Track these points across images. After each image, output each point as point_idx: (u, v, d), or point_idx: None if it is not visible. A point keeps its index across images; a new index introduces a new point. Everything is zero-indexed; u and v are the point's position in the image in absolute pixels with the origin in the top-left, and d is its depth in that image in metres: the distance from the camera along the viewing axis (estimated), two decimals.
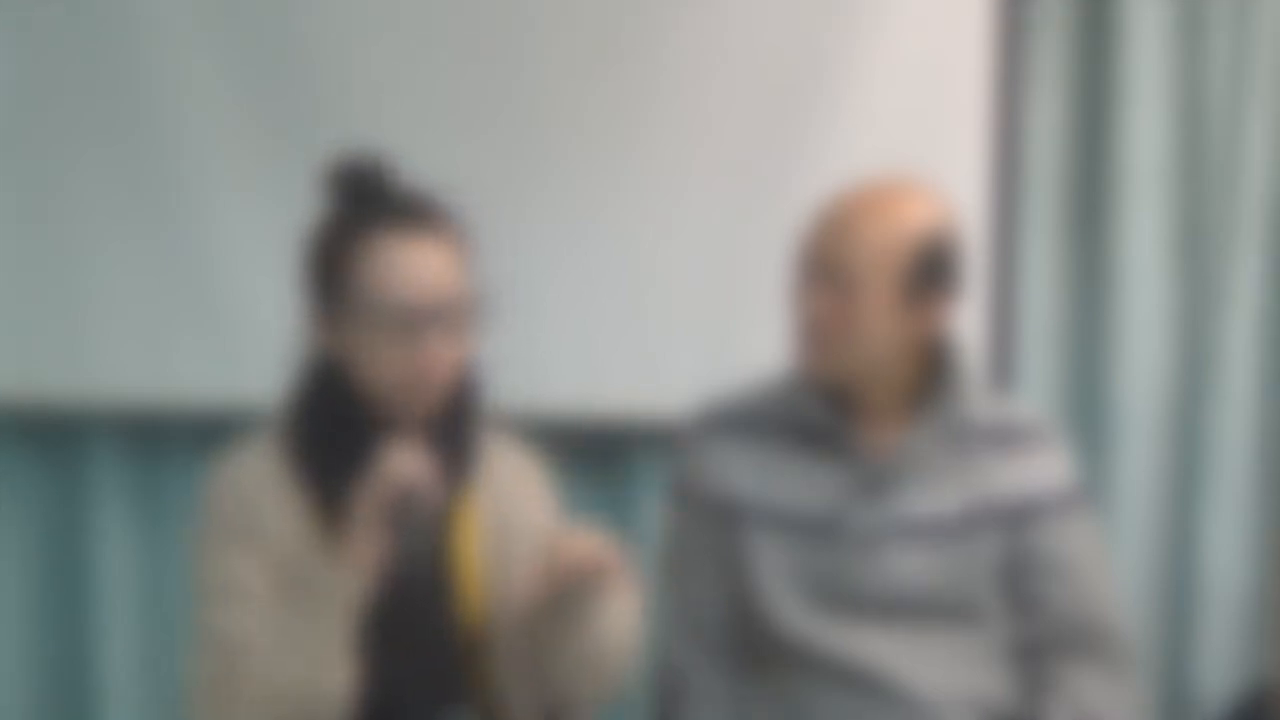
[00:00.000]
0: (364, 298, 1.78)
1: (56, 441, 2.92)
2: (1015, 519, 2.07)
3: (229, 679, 1.74)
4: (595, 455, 2.90)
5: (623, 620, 1.84)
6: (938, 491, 2.07)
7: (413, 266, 1.78)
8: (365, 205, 1.82)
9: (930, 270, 2.02)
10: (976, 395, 2.11)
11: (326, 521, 1.80)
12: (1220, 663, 2.95)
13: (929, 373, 2.09)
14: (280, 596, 1.77)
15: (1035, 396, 2.95)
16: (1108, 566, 2.15)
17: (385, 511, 1.72)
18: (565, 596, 1.76)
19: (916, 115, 2.84)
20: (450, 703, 1.86)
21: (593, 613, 1.79)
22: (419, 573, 1.82)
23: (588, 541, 1.74)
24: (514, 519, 1.93)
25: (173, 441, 2.90)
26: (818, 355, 2.06)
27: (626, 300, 2.87)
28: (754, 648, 2.09)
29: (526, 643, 1.84)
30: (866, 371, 2.05)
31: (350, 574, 1.73)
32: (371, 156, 1.84)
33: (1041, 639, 2.08)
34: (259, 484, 1.82)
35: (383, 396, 1.80)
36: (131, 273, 2.84)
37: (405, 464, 1.73)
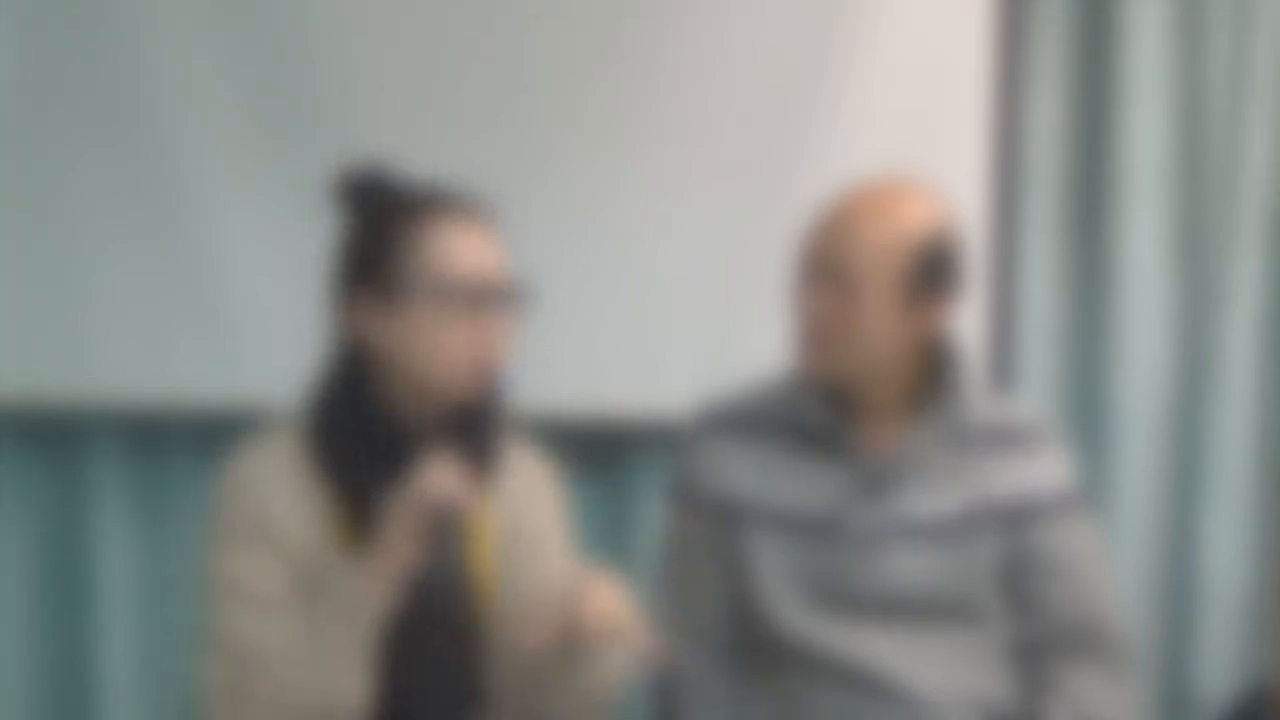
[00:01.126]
0: (428, 278, 1.78)
1: (56, 441, 2.92)
2: (1015, 519, 2.07)
3: (242, 684, 1.73)
4: (595, 455, 2.90)
5: (621, 664, 1.84)
6: (938, 492, 2.07)
7: (475, 247, 1.81)
8: (397, 201, 1.83)
9: (931, 271, 2.02)
10: (977, 396, 2.11)
11: (349, 525, 1.78)
12: (1220, 663, 2.94)
13: (929, 373, 2.09)
14: (295, 598, 1.76)
15: (1035, 396, 2.95)
16: (1107, 567, 2.15)
17: (421, 526, 1.71)
18: (574, 646, 1.74)
19: (916, 115, 2.84)
20: (469, 711, 1.85)
21: (597, 662, 1.79)
22: (442, 584, 1.81)
23: (607, 602, 1.72)
24: (526, 526, 1.93)
25: (173, 441, 2.90)
26: (818, 356, 2.06)
27: (626, 300, 2.87)
28: (754, 648, 2.09)
29: (525, 676, 1.84)
30: (867, 372, 2.05)
31: (374, 584, 1.72)
32: (371, 163, 1.86)
33: (1041, 639, 2.08)
34: (274, 483, 1.80)
35: (435, 381, 1.79)
36: (131, 273, 2.84)
37: (444, 480, 1.72)
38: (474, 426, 1.83)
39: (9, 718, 2.92)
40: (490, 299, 1.80)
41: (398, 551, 1.71)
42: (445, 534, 1.73)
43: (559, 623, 1.71)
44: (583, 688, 1.82)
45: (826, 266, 2.02)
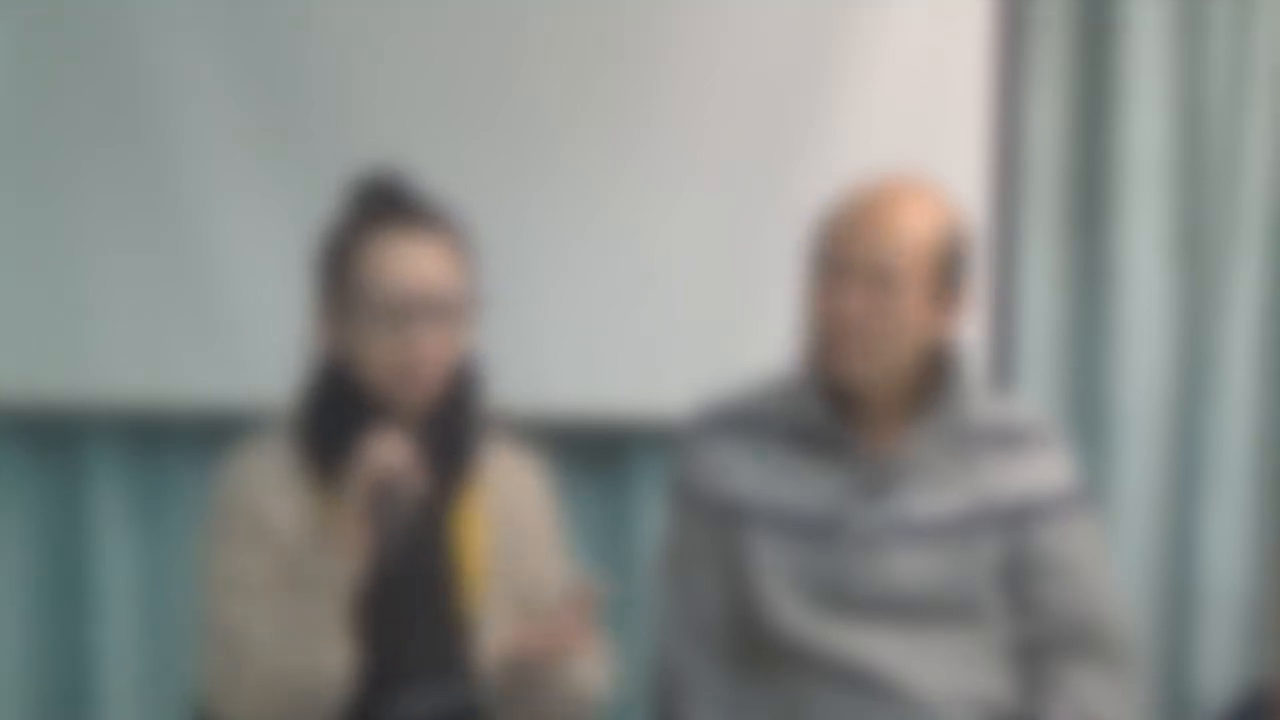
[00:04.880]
0: (362, 292, 1.86)
1: (56, 441, 2.92)
2: (1016, 520, 2.07)
3: (234, 668, 1.80)
4: (595, 455, 2.90)
5: (587, 673, 1.91)
6: (938, 492, 2.07)
7: (406, 260, 1.86)
8: (373, 211, 1.91)
9: (953, 269, 2.02)
10: (977, 396, 2.10)
11: (327, 511, 1.84)
12: (1220, 663, 2.94)
13: (930, 374, 2.09)
14: (286, 590, 1.82)
15: (1035, 396, 2.95)
16: (1107, 567, 2.15)
17: (368, 498, 1.79)
18: (534, 664, 1.84)
19: (916, 115, 2.84)
20: (451, 684, 1.88)
21: (560, 676, 1.86)
22: (409, 557, 1.85)
23: (557, 622, 1.81)
24: (517, 523, 1.98)
25: (173, 441, 2.90)
26: (846, 355, 2.02)
27: (626, 300, 2.87)
28: (754, 648, 2.09)
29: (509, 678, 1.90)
30: (890, 372, 2.04)
31: (338, 559, 1.79)
32: (392, 170, 1.93)
33: (1041, 639, 2.08)
34: (265, 482, 1.88)
35: (378, 388, 1.87)
36: (131, 273, 2.84)
37: (385, 452, 1.79)
38: (444, 420, 1.90)
39: (9, 716, 2.92)
40: (417, 312, 1.85)
41: (352, 525, 1.79)
42: (397, 507, 1.80)
43: (518, 639, 1.83)
44: (556, 696, 1.89)
45: (859, 264, 1.99)
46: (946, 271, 2.01)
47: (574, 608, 1.81)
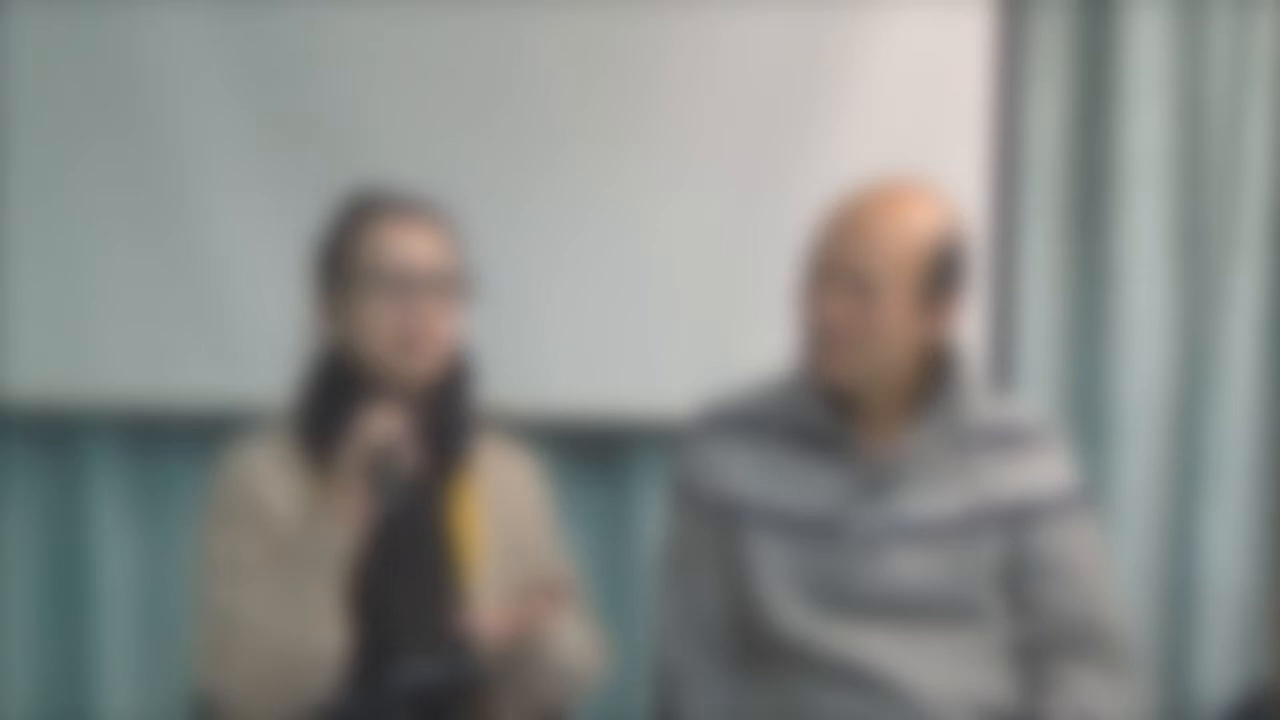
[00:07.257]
0: (363, 268, 1.94)
1: (56, 441, 2.92)
2: (1015, 520, 2.07)
3: (226, 646, 1.84)
4: (595, 455, 2.90)
5: (575, 651, 1.98)
6: (938, 493, 2.07)
7: (406, 241, 1.95)
8: (367, 207, 1.99)
9: (943, 273, 2.02)
10: (977, 397, 2.10)
11: (324, 496, 1.88)
12: (1220, 663, 2.94)
13: (930, 374, 2.09)
14: (280, 572, 1.86)
15: (1035, 396, 2.95)
16: (1108, 567, 2.15)
17: (363, 470, 1.83)
18: (524, 636, 1.89)
19: (916, 115, 2.84)
20: (444, 657, 1.90)
21: (547, 653, 1.92)
22: (403, 529, 1.89)
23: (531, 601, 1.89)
24: (513, 503, 2.02)
25: (173, 441, 2.90)
26: (833, 359, 2.04)
27: (626, 300, 2.87)
28: (754, 648, 2.09)
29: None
30: (879, 375, 2.05)
31: (336, 533, 1.83)
32: (383, 187, 2.01)
33: (1041, 640, 2.08)
34: (264, 471, 1.92)
35: (380, 362, 1.92)
36: (131, 273, 2.84)
37: (380, 425, 1.84)
38: (440, 401, 1.96)
39: (9, 715, 2.92)
40: (418, 285, 1.92)
41: (347, 495, 1.83)
42: (392, 480, 1.83)
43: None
44: (547, 672, 1.94)
45: (841, 270, 2.01)
46: (937, 275, 2.01)
47: (546, 590, 1.87)
